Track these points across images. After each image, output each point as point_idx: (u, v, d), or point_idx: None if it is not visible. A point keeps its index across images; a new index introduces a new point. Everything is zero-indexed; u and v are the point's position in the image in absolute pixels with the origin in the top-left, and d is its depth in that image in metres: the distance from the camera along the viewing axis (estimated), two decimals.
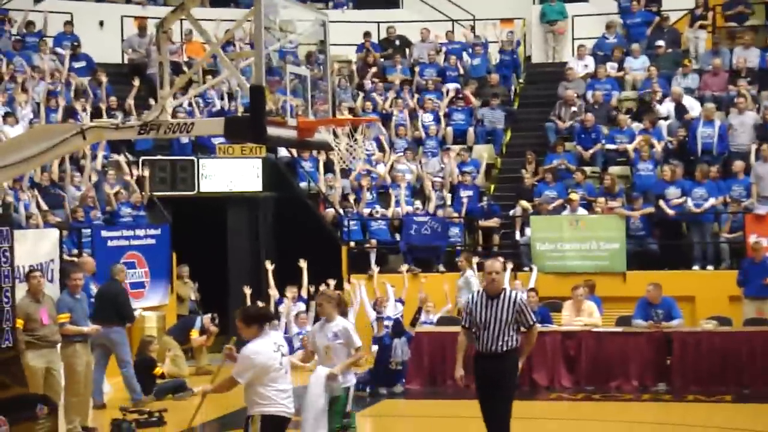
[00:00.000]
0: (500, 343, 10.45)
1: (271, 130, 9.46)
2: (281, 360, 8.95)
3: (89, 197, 19.03)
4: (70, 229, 18.22)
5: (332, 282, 18.78)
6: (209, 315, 18.78)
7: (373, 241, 20.71)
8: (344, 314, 11.31)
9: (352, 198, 21.39)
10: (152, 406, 14.97)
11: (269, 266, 19.38)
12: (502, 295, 10.53)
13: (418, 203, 21.19)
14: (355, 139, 10.27)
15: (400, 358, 16.56)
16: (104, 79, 22.69)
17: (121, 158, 20.66)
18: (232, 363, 9.12)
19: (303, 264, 19.20)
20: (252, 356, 8.80)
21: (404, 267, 19.87)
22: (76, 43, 23.74)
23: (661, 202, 20.06)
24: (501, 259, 12.43)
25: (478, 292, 10.82)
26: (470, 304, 10.73)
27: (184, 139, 21.66)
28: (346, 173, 21.63)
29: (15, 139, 12.93)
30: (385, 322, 17.51)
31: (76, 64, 23.30)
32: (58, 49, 23.68)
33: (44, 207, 18.36)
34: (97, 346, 15.34)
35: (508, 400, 10.62)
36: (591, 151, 21.97)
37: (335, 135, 10.21)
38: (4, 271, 10.79)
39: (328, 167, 21.79)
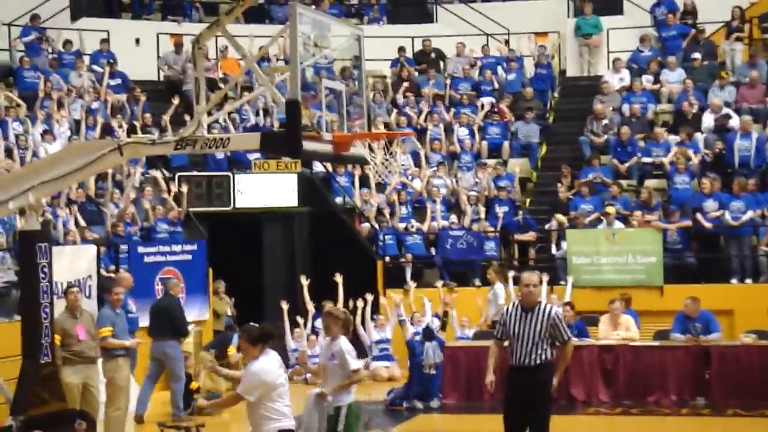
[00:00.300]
0: (534, 356, 10.38)
1: (307, 144, 9.49)
2: (285, 376, 9.21)
3: (127, 213, 19.14)
4: (107, 245, 18.31)
5: (370, 297, 18.84)
6: None
7: (409, 256, 20.69)
8: (347, 334, 11.29)
9: (387, 212, 21.38)
10: (190, 421, 15.01)
11: (304, 281, 19.43)
12: (537, 309, 10.48)
13: (453, 217, 21.17)
14: (391, 153, 10.25)
15: (433, 360, 16.55)
16: (143, 97, 22.82)
17: (158, 174, 20.76)
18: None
19: (339, 279, 19.20)
20: (260, 374, 8.98)
21: (440, 282, 19.82)
22: (112, 61, 23.89)
23: (699, 215, 19.93)
24: (537, 272, 12.37)
25: (513, 304, 10.77)
26: (504, 316, 10.69)
27: (220, 155, 21.74)
28: (381, 188, 21.65)
29: (53, 155, 13.02)
30: (416, 337, 17.45)
31: (113, 82, 23.43)
32: (95, 67, 23.83)
33: (82, 223, 18.47)
34: (152, 360, 15.53)
35: (544, 415, 10.55)
36: (627, 165, 21.90)
37: (371, 149, 10.21)
38: (42, 287, 10.85)
39: (364, 182, 21.83)
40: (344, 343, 10.81)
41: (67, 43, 24.08)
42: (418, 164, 22.54)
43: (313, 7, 10.00)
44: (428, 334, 16.89)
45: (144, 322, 16.38)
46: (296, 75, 9.26)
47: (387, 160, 10.37)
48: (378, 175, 10.25)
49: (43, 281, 10.83)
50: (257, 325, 9.85)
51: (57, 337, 12.42)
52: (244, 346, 9.17)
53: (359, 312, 18.92)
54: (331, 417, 10.74)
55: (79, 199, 19.09)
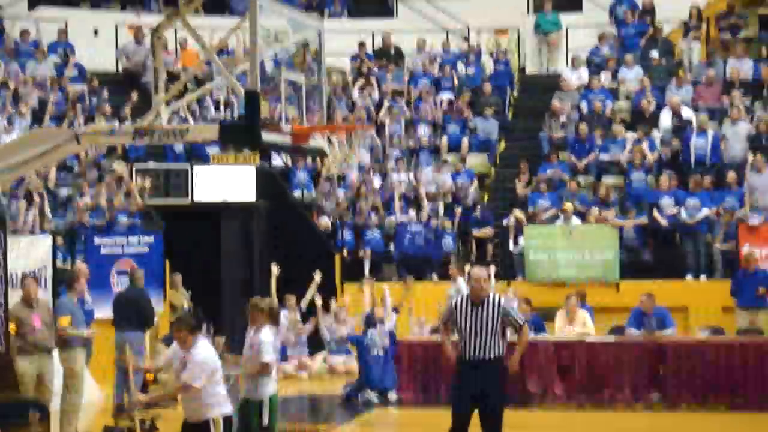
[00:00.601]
0: (488, 350, 10.41)
1: (266, 136, 9.48)
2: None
3: (86, 204, 19.03)
4: (63, 236, 18.19)
5: (317, 276, 18.84)
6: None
7: (367, 250, 20.70)
8: (276, 324, 11.19)
9: (345, 207, 21.39)
10: (145, 414, 14.93)
11: (275, 270, 19.09)
12: (486, 302, 10.50)
13: (412, 213, 21.19)
14: (349, 146, 10.26)
15: (379, 344, 16.57)
16: (99, 86, 22.68)
17: (119, 166, 20.63)
18: None
19: (317, 276, 18.98)
20: (206, 360, 9.14)
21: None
22: (69, 51, 23.72)
23: (655, 212, 20.10)
24: (485, 267, 12.47)
25: (462, 298, 10.75)
26: (455, 309, 10.68)
27: (178, 148, 21.67)
28: (340, 182, 21.65)
29: (10, 144, 12.94)
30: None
31: (70, 73, 23.26)
32: (52, 57, 23.64)
33: (44, 213, 18.29)
34: (117, 350, 15.45)
35: (498, 410, 10.58)
36: (585, 162, 22.01)
37: (329, 141, 10.21)
38: None
39: (323, 177, 21.85)
40: (265, 334, 10.70)
41: (25, 32, 23.88)
42: (376, 159, 22.55)
43: None
44: (368, 321, 16.95)
45: (100, 313, 16.28)
46: (256, 65, 9.25)
47: (345, 153, 10.37)
48: (336, 166, 10.22)
49: None
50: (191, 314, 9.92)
51: (12, 327, 12.33)
52: (184, 335, 9.24)
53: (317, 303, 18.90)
54: (253, 412, 10.61)
55: (37, 190, 18.96)
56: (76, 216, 18.85)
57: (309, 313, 19.33)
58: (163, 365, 10.25)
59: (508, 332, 10.70)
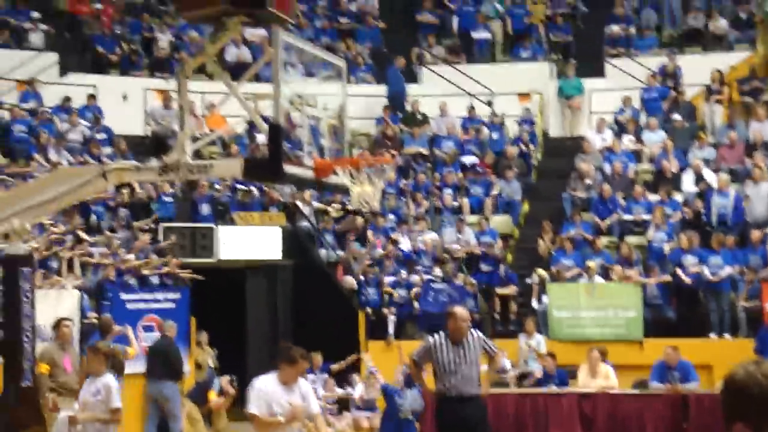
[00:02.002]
0: (472, 386, 10.63)
1: (289, 169, 9.65)
2: None
3: (112, 262, 19.26)
4: (90, 291, 18.40)
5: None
6: (227, 377, 18.81)
7: (392, 308, 20.82)
8: (120, 371, 11.15)
9: (370, 264, 21.52)
10: None
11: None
12: (466, 340, 10.75)
13: (436, 271, 21.31)
14: (372, 183, 10.43)
15: (411, 407, 16.54)
16: (127, 149, 23.02)
17: (143, 224, 20.90)
18: None
19: (366, 357, 18.97)
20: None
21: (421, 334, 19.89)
22: (99, 115, 24.11)
23: (678, 270, 20.13)
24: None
25: (440, 335, 10.99)
26: (433, 348, 10.87)
27: (205, 209, 21.97)
28: (365, 242, 21.85)
29: (39, 180, 13.17)
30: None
31: (99, 136, 23.62)
32: (82, 121, 24.03)
33: (73, 269, 18.50)
34: (150, 401, 15.62)
35: None
36: (608, 222, 22.13)
37: (352, 178, 10.38)
38: (25, 310, 10.96)
39: (350, 237, 22.06)
40: (111, 380, 10.68)
41: (56, 97, 24.28)
42: (401, 220, 22.74)
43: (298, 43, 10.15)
44: (409, 380, 16.94)
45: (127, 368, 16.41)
46: (278, 98, 9.45)
47: (368, 190, 10.52)
48: (359, 203, 10.39)
49: (25, 305, 10.94)
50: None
51: (45, 367, 12.59)
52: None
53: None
54: None
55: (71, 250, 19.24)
56: (103, 273, 19.04)
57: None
58: None
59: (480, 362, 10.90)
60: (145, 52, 27.22)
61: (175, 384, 16.01)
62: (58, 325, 13.52)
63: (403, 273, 21.32)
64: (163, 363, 15.81)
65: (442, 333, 11.08)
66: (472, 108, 26.02)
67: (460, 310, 11.15)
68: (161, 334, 16.48)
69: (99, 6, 27.63)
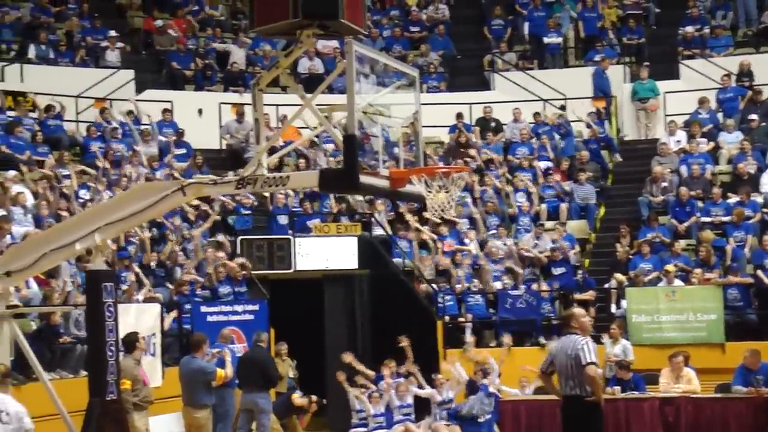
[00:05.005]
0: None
1: (364, 179, 9.70)
2: None
3: (191, 275, 19.48)
4: (171, 304, 18.63)
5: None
6: (311, 397, 18.77)
7: (469, 316, 20.79)
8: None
9: (445, 272, 21.53)
10: None
11: (348, 358, 19.04)
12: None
13: (513, 278, 21.25)
14: (447, 191, 10.45)
15: (476, 411, 16.91)
16: (203, 163, 23.25)
17: (221, 237, 21.10)
18: None
19: (405, 342, 18.97)
20: None
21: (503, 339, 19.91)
22: (180, 131, 24.38)
23: (759, 272, 19.86)
24: None
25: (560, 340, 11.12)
26: (555, 352, 11.00)
27: (282, 220, 22.13)
28: (438, 250, 21.86)
29: (119, 197, 13.37)
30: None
31: (178, 151, 23.89)
32: (160, 137, 24.32)
33: (147, 284, 18.75)
34: (241, 411, 15.82)
35: None
36: (686, 224, 21.93)
37: (427, 186, 10.41)
38: (108, 325, 11.13)
39: (423, 245, 22.07)
40: (12, 400, 10.54)
41: (131, 113, 24.60)
42: (475, 227, 22.71)
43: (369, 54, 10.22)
44: (471, 387, 17.05)
45: None
46: (353, 110, 9.51)
47: (445, 199, 10.54)
48: (435, 210, 10.41)
49: (108, 320, 11.11)
50: None
51: (128, 383, 12.81)
52: None
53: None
54: None
55: (149, 262, 19.50)
56: (178, 285, 19.27)
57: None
58: None
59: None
60: (219, 67, 27.52)
61: (268, 394, 16.22)
62: (133, 339, 13.70)
63: (478, 281, 21.27)
64: (258, 372, 15.96)
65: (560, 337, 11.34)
66: (542, 113, 25.92)
67: (578, 310, 11.45)
68: (255, 345, 16.67)
69: (172, 23, 28.01)
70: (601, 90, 26.26)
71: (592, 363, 10.88)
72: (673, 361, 17.10)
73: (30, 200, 19.35)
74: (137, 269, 18.76)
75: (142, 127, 24.25)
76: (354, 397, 18.69)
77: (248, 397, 15.92)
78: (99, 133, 23.59)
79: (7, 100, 23.71)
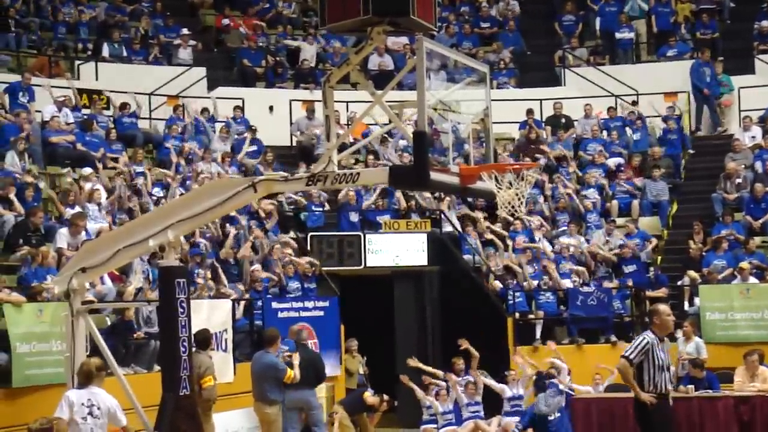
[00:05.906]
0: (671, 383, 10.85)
1: (435, 176, 9.69)
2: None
3: (260, 271, 19.59)
4: (241, 301, 18.74)
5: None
6: (383, 396, 18.77)
7: (540, 313, 20.69)
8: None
9: (514, 269, 21.44)
10: None
11: (413, 363, 18.94)
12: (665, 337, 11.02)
13: (585, 275, 21.11)
14: (518, 188, 10.41)
15: (545, 409, 16.90)
16: (273, 160, 23.34)
17: (291, 234, 21.20)
18: None
19: (465, 343, 18.85)
20: None
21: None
22: (254, 128, 24.50)
23: None
24: None
25: (652, 334, 11.11)
26: (651, 345, 11.03)
27: (353, 217, 22.17)
28: (507, 246, 21.78)
29: (190, 194, 13.50)
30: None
31: (250, 148, 24.00)
32: (230, 133, 24.45)
33: (224, 280, 18.86)
34: (291, 410, 15.91)
35: None
36: (761, 221, 21.64)
37: (497, 183, 10.37)
38: (181, 321, 11.22)
39: (491, 242, 22.01)
40: None
41: (204, 110, 24.79)
42: (546, 223, 22.59)
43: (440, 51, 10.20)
44: (538, 384, 17.19)
45: None
46: (423, 107, 9.50)
47: (516, 195, 10.49)
48: (505, 207, 10.37)
49: (181, 316, 11.20)
50: None
51: (211, 380, 13.01)
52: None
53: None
54: None
55: (227, 257, 19.65)
56: (248, 283, 19.40)
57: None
58: None
59: None
60: (289, 64, 27.64)
61: (315, 390, 16.35)
62: (207, 336, 13.83)
63: (549, 278, 21.14)
64: (312, 371, 16.02)
65: (651, 332, 11.23)
66: (613, 108, 25.72)
67: (662, 306, 11.43)
68: (299, 344, 16.69)
69: (243, 20, 28.19)
70: (698, 85, 25.78)
71: (624, 356, 10.95)
72: (748, 360, 16.86)
73: (104, 197, 19.57)
74: (216, 264, 18.87)
75: (218, 125, 24.43)
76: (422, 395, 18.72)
77: (298, 394, 15.89)
78: (180, 131, 23.77)
79: (83, 98, 23.98)
